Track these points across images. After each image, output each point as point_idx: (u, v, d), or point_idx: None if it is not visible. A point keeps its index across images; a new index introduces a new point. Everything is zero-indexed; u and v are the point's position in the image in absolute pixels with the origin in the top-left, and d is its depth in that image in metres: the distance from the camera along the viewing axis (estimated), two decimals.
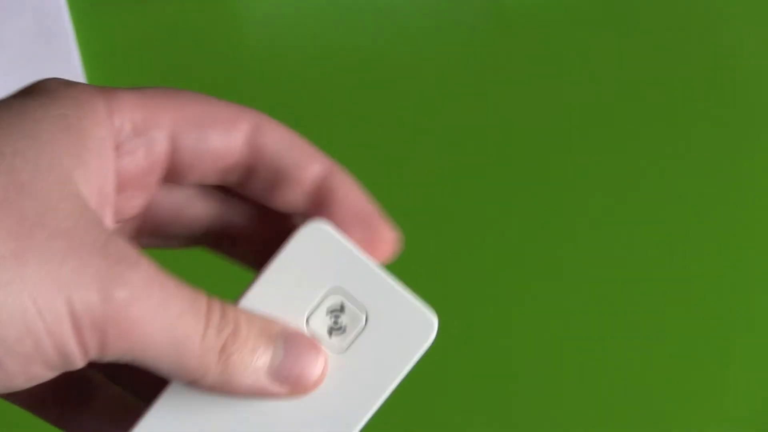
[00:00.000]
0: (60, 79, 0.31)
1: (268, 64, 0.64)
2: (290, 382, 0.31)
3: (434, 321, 0.31)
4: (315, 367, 0.31)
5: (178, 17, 0.64)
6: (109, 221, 0.31)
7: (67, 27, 0.62)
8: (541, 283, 0.63)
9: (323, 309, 0.32)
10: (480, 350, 0.62)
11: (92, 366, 0.33)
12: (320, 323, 0.32)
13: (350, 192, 0.33)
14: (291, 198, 0.33)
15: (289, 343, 0.31)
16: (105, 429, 0.35)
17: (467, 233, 0.62)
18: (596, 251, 0.63)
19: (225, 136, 0.32)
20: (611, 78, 0.64)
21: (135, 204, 0.33)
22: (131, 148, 0.31)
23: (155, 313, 0.28)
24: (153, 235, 0.34)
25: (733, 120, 0.64)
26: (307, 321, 0.32)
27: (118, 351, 0.28)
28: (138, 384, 0.35)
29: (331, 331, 0.32)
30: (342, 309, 0.32)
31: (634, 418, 0.62)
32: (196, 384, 0.30)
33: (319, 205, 0.32)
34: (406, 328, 0.31)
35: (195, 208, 0.34)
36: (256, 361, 0.30)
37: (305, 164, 0.32)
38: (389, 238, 0.33)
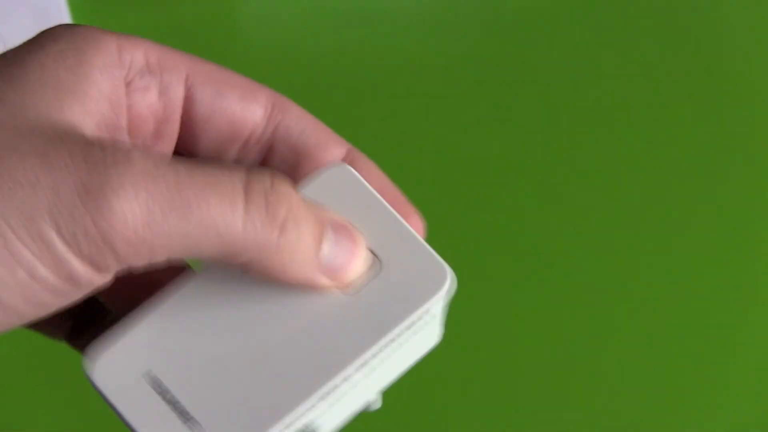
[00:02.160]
0: (72, 24, 0.29)
1: (267, 64, 0.64)
2: (334, 274, 0.29)
3: (448, 273, 0.30)
4: (358, 262, 0.29)
5: (178, 17, 0.64)
6: None
7: None
8: (540, 283, 0.63)
9: None
10: (480, 350, 0.62)
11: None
12: None
13: (373, 176, 0.31)
14: None
15: (338, 232, 0.29)
16: None
17: (466, 233, 0.62)
18: (595, 251, 0.63)
19: (244, 102, 0.31)
20: (611, 78, 0.64)
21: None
22: (143, 85, 0.30)
23: (165, 205, 0.26)
24: None
25: (734, 120, 0.64)
26: None
27: (141, 256, 0.26)
28: None
29: None
30: None
31: (634, 418, 0.62)
32: (250, 266, 0.27)
33: None
34: (420, 277, 0.30)
35: None
36: (312, 246, 0.28)
37: (326, 145, 0.31)
38: (416, 225, 0.31)
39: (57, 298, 0.26)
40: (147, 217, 0.25)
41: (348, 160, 0.32)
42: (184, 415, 0.29)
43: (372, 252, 0.30)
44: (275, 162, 0.32)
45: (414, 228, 0.31)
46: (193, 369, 0.29)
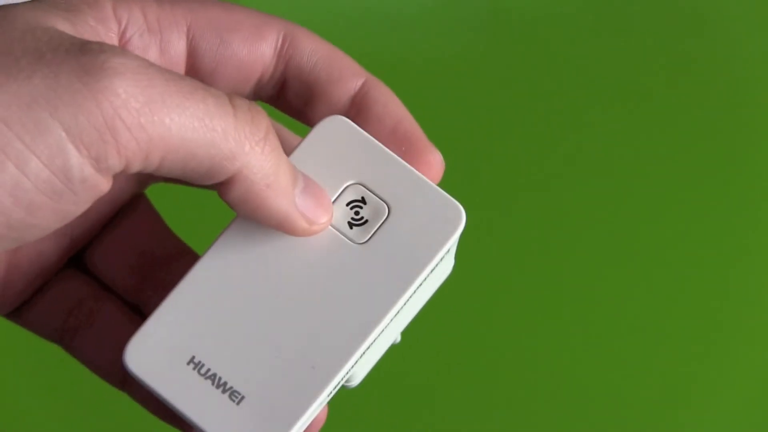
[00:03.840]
0: None
1: None
2: (308, 215, 0.28)
3: (461, 210, 0.30)
4: (326, 209, 0.29)
5: None
6: None
7: None
8: (539, 283, 0.63)
9: (343, 202, 0.30)
10: (479, 351, 0.62)
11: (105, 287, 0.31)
12: (340, 216, 0.30)
13: (390, 108, 0.31)
14: (327, 113, 0.31)
15: (306, 180, 0.29)
16: (106, 355, 0.33)
17: (467, 233, 0.62)
18: (594, 251, 0.63)
19: (250, 44, 0.30)
20: (611, 78, 0.64)
21: None
22: (142, 44, 0.29)
23: (167, 96, 0.25)
24: None
25: (734, 119, 0.64)
26: None
27: (140, 149, 0.25)
28: (147, 298, 0.33)
29: (351, 225, 0.30)
30: (363, 201, 0.30)
31: (633, 418, 0.62)
32: (237, 180, 0.27)
33: (355, 121, 0.30)
34: (433, 218, 0.30)
35: None
36: (289, 178, 0.28)
37: (340, 78, 0.30)
38: (434, 161, 0.31)
39: (49, 199, 0.25)
40: (149, 104, 0.25)
41: (364, 91, 0.31)
42: (229, 391, 0.29)
43: (379, 198, 0.30)
44: (290, 97, 0.31)
45: (432, 164, 0.30)
46: (231, 343, 0.29)
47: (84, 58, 0.24)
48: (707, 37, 0.65)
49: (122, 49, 0.25)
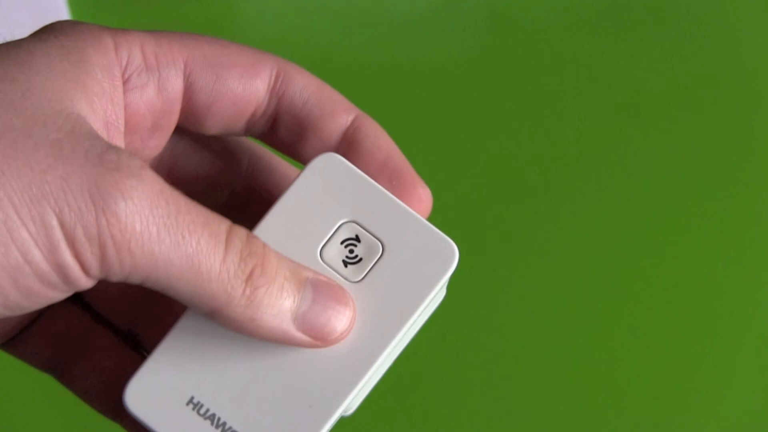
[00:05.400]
0: (70, 20, 0.29)
1: None
2: (314, 332, 0.29)
3: (455, 248, 0.30)
4: (340, 321, 0.29)
5: (177, 17, 0.64)
6: None
7: None
8: (538, 284, 0.63)
9: (337, 240, 0.30)
10: (478, 351, 0.62)
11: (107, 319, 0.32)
12: (335, 255, 0.30)
13: (380, 142, 0.31)
14: (318, 148, 0.31)
15: (319, 290, 0.29)
16: (99, 386, 0.33)
17: (465, 232, 0.62)
18: (594, 251, 0.63)
19: (245, 81, 0.30)
20: (611, 78, 0.64)
21: (151, 146, 0.31)
22: (141, 83, 0.29)
23: (162, 229, 0.26)
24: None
25: (734, 119, 0.64)
26: (321, 253, 0.30)
27: (122, 269, 0.26)
28: (149, 342, 0.33)
29: (346, 263, 0.30)
30: (357, 239, 0.30)
31: (634, 418, 0.62)
32: (216, 315, 0.27)
33: (346, 156, 0.31)
34: (426, 255, 0.30)
35: (219, 163, 0.33)
36: (283, 302, 0.28)
37: (331, 114, 0.31)
38: (423, 195, 0.31)
39: (44, 287, 0.26)
40: (144, 233, 0.26)
41: (355, 126, 0.31)
42: (228, 431, 0.29)
43: (373, 236, 0.30)
44: (281, 132, 0.32)
45: (422, 197, 0.31)
46: (229, 384, 0.29)
47: (98, 170, 0.25)
48: (707, 37, 0.65)
49: (139, 165, 0.26)
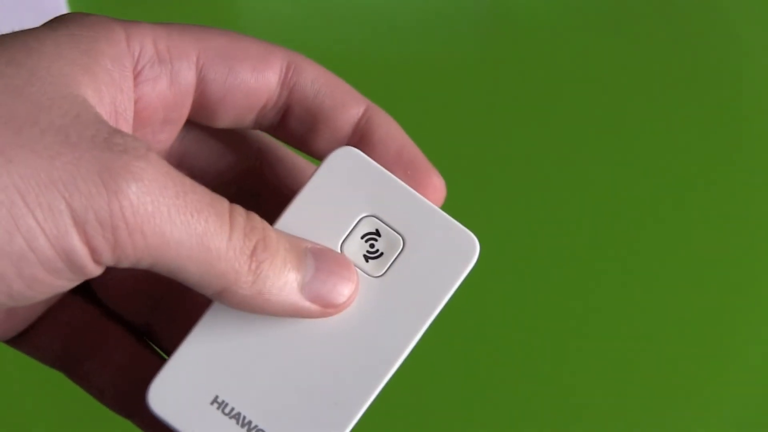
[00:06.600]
0: (82, 12, 0.29)
1: None
2: (323, 300, 0.29)
3: (476, 241, 0.30)
4: (345, 286, 0.29)
5: (178, 16, 0.64)
6: None
7: None
8: (538, 283, 0.63)
9: (357, 235, 0.30)
10: (481, 348, 0.62)
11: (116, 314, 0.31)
12: (356, 250, 0.30)
13: (392, 133, 0.31)
14: (329, 140, 0.31)
15: (319, 259, 0.29)
16: (110, 382, 0.33)
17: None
18: (593, 251, 0.63)
19: (257, 73, 0.30)
20: (611, 78, 0.64)
21: (161, 139, 0.31)
22: (153, 75, 0.29)
23: (173, 209, 0.26)
24: None
25: (734, 119, 0.64)
26: (342, 248, 0.30)
27: (135, 252, 0.26)
28: (164, 336, 0.33)
29: (367, 258, 0.30)
30: (378, 234, 0.30)
31: (635, 418, 0.62)
32: (226, 294, 0.27)
33: (359, 147, 0.31)
34: (447, 249, 0.30)
35: (228, 156, 0.33)
36: (287, 274, 0.28)
37: (343, 105, 0.31)
38: (436, 184, 0.31)
39: (49, 275, 0.26)
40: (155, 214, 0.26)
41: (366, 117, 0.31)
42: (254, 429, 0.29)
43: (393, 230, 0.30)
44: (292, 124, 0.31)
45: (437, 187, 0.31)
46: (253, 382, 0.29)
47: (107, 154, 0.25)
48: (708, 37, 0.65)
49: (145, 147, 0.26)
